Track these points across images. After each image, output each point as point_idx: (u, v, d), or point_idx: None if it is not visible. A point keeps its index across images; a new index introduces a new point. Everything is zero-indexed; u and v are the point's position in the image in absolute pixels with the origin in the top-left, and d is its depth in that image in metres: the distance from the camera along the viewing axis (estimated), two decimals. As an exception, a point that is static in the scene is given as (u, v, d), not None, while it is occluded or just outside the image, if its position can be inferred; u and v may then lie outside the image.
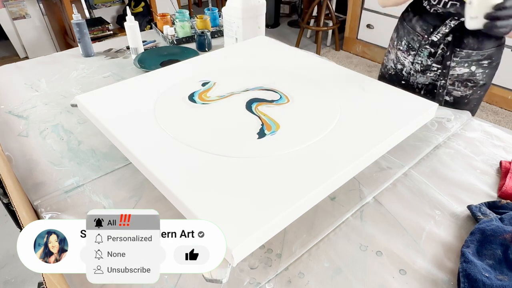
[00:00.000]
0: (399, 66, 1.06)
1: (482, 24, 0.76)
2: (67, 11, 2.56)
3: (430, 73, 1.00)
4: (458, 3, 0.89)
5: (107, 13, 3.24)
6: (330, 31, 3.34)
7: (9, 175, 0.65)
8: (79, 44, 1.25)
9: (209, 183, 0.58)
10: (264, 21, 1.25)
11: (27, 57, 2.98)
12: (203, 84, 0.88)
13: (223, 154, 0.64)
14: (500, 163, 0.75)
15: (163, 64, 1.18)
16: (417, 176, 0.73)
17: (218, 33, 1.46)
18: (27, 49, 2.98)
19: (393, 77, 1.10)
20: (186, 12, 1.43)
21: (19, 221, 0.51)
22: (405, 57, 1.04)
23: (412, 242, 0.60)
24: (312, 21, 3.35)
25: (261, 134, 0.69)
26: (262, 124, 0.72)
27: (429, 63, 0.99)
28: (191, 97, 0.82)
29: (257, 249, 0.58)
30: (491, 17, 0.75)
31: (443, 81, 0.98)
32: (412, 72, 1.04)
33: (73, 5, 1.45)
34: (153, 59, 1.21)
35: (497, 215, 0.62)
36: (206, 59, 1.02)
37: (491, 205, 0.65)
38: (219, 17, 1.50)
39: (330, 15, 3.06)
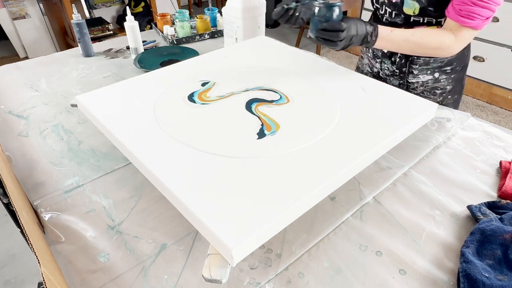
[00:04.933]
0: (375, 70, 1.10)
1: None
2: (67, 11, 2.56)
3: (397, 78, 1.05)
4: (402, 15, 0.92)
5: (107, 13, 3.24)
6: (330, 31, 3.33)
7: (9, 175, 0.65)
8: (79, 44, 1.25)
9: (209, 183, 0.58)
10: (264, 21, 1.25)
11: (27, 57, 2.98)
12: (203, 84, 0.88)
13: (223, 154, 0.64)
14: (500, 163, 0.75)
15: (163, 64, 1.18)
16: (417, 176, 0.74)
17: (218, 33, 1.46)
18: (27, 49, 2.99)
19: None
20: (186, 12, 1.43)
21: (19, 221, 0.51)
22: (374, 63, 1.09)
23: (412, 242, 0.60)
24: (312, 21, 3.34)
25: (261, 134, 0.69)
26: (262, 124, 0.72)
27: (394, 69, 1.03)
28: (191, 97, 0.82)
29: (257, 249, 0.58)
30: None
31: (405, 87, 1.04)
32: (385, 76, 1.08)
33: (73, 5, 1.45)
34: (153, 59, 1.21)
35: (497, 215, 0.62)
36: (206, 59, 1.02)
37: (491, 205, 0.65)
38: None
39: (330, 15, 3.06)
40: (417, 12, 0.88)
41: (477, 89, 2.48)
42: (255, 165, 0.62)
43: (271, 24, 3.79)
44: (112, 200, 0.69)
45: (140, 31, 1.23)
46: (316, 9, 0.78)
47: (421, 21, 0.89)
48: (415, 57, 0.97)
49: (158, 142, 0.68)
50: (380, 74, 1.08)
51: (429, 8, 0.86)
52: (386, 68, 1.05)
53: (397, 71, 1.02)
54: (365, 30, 0.78)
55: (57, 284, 0.44)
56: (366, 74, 1.14)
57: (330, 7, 0.76)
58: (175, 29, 1.39)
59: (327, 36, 0.76)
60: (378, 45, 0.81)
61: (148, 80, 0.91)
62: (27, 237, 0.48)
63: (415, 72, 0.99)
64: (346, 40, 0.76)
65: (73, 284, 0.55)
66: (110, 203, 0.68)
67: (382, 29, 0.80)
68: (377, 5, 0.98)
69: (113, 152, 0.80)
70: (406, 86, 1.04)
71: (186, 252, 0.59)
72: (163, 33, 1.42)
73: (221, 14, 1.44)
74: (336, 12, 0.76)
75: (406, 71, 1.00)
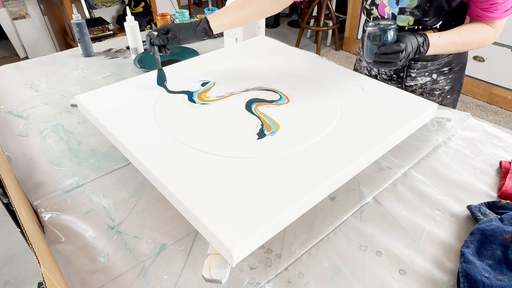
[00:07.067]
0: (373, 73, 1.08)
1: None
2: (67, 11, 2.56)
3: (395, 83, 1.04)
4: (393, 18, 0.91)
5: (107, 13, 3.24)
6: (330, 31, 3.34)
7: (9, 175, 0.65)
8: (79, 44, 1.25)
9: (208, 183, 0.58)
10: (264, 21, 1.25)
11: (27, 57, 2.98)
12: (203, 84, 0.88)
13: (222, 154, 0.64)
14: (500, 163, 0.75)
15: (163, 64, 1.17)
16: (417, 176, 0.74)
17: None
18: (27, 49, 2.99)
19: None
20: (186, 12, 1.43)
21: (19, 221, 0.51)
22: (372, 67, 1.07)
23: (412, 242, 0.60)
24: (312, 21, 3.35)
25: (261, 134, 0.69)
26: (262, 125, 0.72)
27: (391, 73, 1.02)
28: (191, 97, 0.82)
29: (257, 249, 0.58)
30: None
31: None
32: (382, 80, 1.05)
33: (73, 5, 1.45)
34: (153, 59, 1.21)
35: (497, 215, 0.62)
36: (206, 59, 1.02)
37: (491, 205, 0.65)
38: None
39: (330, 15, 3.06)
40: (411, 23, 0.88)
41: (477, 89, 2.48)
42: (255, 165, 0.62)
43: (271, 24, 3.80)
44: (112, 200, 0.69)
45: (140, 31, 1.23)
46: (370, 33, 0.73)
47: (416, 28, 0.89)
48: (412, 62, 0.97)
49: (158, 142, 0.68)
50: (378, 78, 1.07)
51: (424, 19, 0.86)
52: (384, 73, 1.03)
53: (395, 75, 1.02)
54: (417, 42, 0.76)
55: (57, 284, 0.44)
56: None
57: (384, 30, 0.71)
58: (175, 29, 1.39)
59: (386, 59, 0.72)
60: (428, 52, 0.79)
61: (148, 80, 0.91)
62: (27, 237, 0.48)
63: (413, 75, 0.98)
64: (405, 58, 0.74)
65: (73, 284, 0.55)
66: (110, 203, 0.68)
67: (431, 37, 0.78)
68: (367, 19, 0.98)
69: (113, 152, 0.80)
70: (404, 90, 1.02)
71: (186, 252, 0.59)
72: (163, 33, 1.41)
73: (221, 14, 1.44)
74: (392, 34, 0.72)
75: (404, 75, 1.00)
